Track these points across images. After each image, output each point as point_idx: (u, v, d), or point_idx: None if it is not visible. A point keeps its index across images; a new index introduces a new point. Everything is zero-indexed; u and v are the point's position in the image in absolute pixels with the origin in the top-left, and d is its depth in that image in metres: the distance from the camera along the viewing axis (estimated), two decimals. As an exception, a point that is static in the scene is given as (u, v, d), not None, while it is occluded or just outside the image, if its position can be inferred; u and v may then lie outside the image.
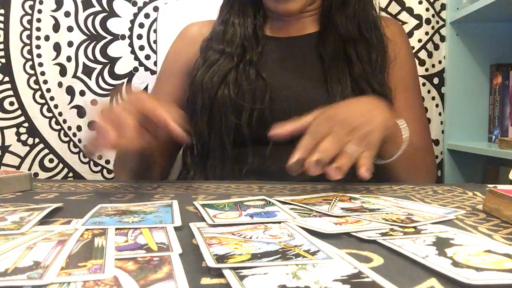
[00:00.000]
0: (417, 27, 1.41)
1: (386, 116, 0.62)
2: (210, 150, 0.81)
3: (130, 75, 1.41)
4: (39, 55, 1.41)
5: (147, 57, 1.41)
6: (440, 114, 1.45)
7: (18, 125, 1.41)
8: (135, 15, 1.41)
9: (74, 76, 1.40)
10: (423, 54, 1.42)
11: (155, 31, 1.40)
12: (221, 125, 0.79)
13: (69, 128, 1.41)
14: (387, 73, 0.84)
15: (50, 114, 1.42)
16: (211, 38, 0.88)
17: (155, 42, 1.40)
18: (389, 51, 0.84)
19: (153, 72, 1.40)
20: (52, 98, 1.41)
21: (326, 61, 0.80)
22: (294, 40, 0.86)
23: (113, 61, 1.40)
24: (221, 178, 0.78)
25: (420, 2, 1.41)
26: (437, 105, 1.45)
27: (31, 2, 1.40)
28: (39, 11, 1.40)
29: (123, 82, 1.40)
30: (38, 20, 1.41)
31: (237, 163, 0.78)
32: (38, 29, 1.41)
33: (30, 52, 1.41)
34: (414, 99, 0.88)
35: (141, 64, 1.41)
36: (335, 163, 0.52)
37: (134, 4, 1.41)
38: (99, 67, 1.40)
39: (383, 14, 1.41)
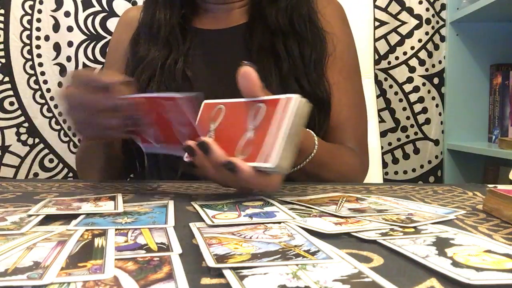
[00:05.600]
0: (417, 27, 1.41)
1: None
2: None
3: (130, 75, 1.41)
4: (39, 55, 1.41)
5: (147, 57, 1.41)
6: (440, 114, 1.45)
7: (18, 125, 1.41)
8: (135, 15, 1.41)
9: (74, 76, 1.40)
10: (423, 54, 1.42)
11: (155, 31, 1.40)
12: None
13: (69, 128, 1.41)
14: (326, 68, 0.80)
15: (50, 114, 1.42)
16: (138, 33, 0.85)
17: (155, 42, 1.40)
18: (328, 43, 0.81)
19: (153, 72, 1.40)
20: (52, 98, 1.41)
21: (253, 56, 0.77)
22: (222, 32, 0.83)
23: (113, 61, 1.40)
24: (160, 175, 0.80)
25: (420, 2, 1.41)
26: (437, 105, 1.45)
27: (31, 2, 1.40)
28: (39, 11, 1.40)
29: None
30: (38, 20, 1.41)
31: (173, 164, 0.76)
32: (38, 29, 1.41)
33: (30, 52, 1.41)
34: (349, 83, 0.84)
35: (141, 64, 1.41)
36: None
37: (134, 4, 1.41)
38: (99, 67, 1.40)
39: (381, 13, 1.41)
